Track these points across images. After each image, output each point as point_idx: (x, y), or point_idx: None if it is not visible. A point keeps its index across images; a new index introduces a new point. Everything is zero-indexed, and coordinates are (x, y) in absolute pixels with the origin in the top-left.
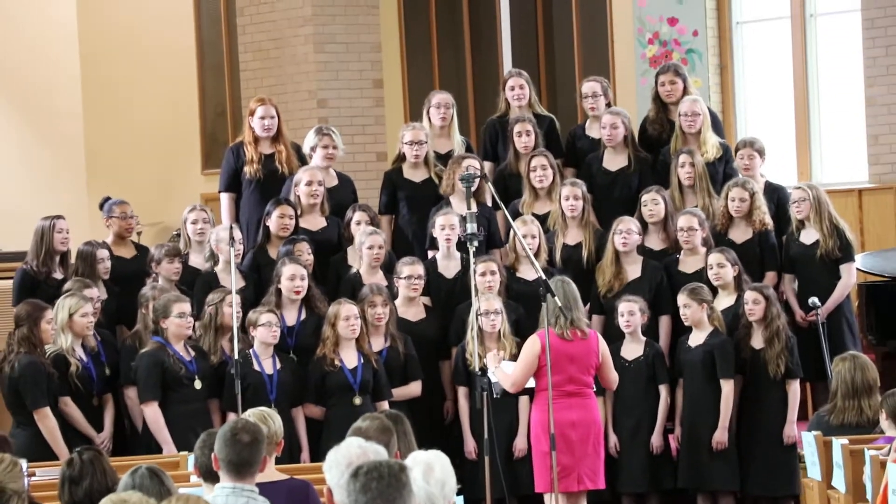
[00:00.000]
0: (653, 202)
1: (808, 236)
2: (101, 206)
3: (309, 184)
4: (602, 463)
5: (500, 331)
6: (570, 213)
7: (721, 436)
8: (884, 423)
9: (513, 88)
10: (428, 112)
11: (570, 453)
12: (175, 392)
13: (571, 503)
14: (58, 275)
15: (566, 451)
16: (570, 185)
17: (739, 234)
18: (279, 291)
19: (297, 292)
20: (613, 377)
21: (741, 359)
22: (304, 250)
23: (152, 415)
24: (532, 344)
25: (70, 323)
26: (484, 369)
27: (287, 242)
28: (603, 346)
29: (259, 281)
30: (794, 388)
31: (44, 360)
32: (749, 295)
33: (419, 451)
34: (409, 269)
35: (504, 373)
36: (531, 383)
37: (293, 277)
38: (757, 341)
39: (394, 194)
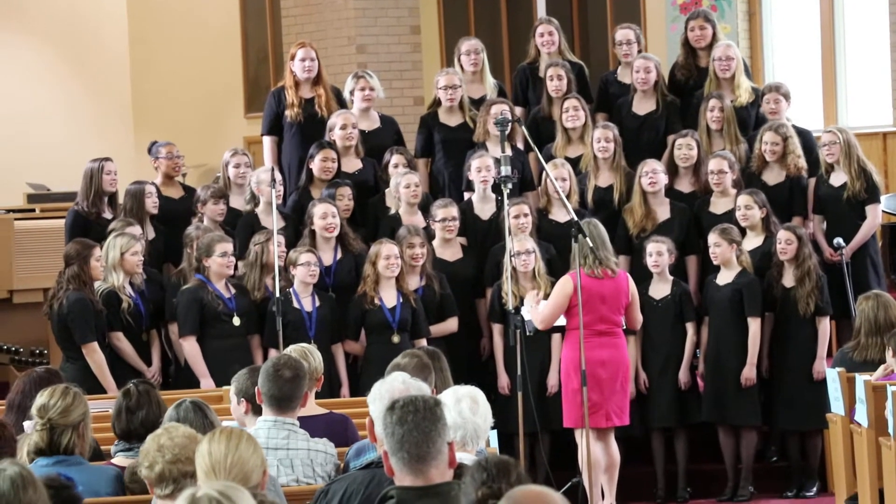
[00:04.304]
0: (687, 146)
1: (837, 178)
2: (150, 151)
3: (343, 127)
4: (628, 400)
5: (534, 269)
6: (601, 155)
7: (749, 372)
8: (890, 359)
9: (542, 35)
10: (459, 59)
11: (600, 391)
12: (213, 328)
13: (600, 439)
14: (107, 215)
15: (595, 389)
16: (602, 128)
17: (773, 176)
18: (313, 233)
19: (331, 230)
20: (639, 317)
21: (772, 297)
22: (346, 194)
23: (190, 348)
24: (564, 284)
25: (121, 261)
26: (518, 308)
27: (329, 186)
28: (632, 287)
29: (302, 222)
30: (824, 326)
31: (92, 296)
32: (782, 234)
33: (458, 385)
34: (444, 212)
35: (537, 311)
36: (562, 321)
37: (325, 216)
38: (788, 280)
39: (430, 138)
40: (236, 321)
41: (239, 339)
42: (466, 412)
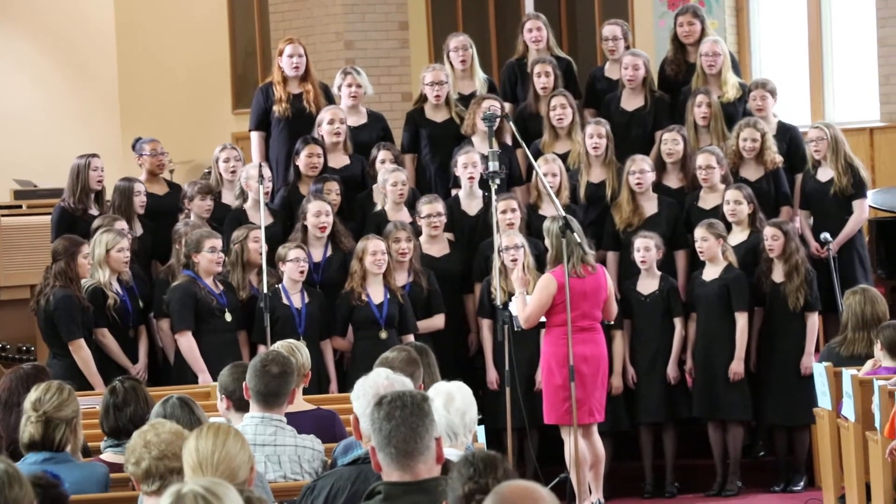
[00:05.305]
0: (673, 141)
1: (824, 174)
2: (134, 147)
3: (331, 122)
4: (605, 396)
5: (523, 264)
6: (593, 152)
7: (737, 366)
8: (878, 353)
9: (530, 31)
10: (448, 56)
11: (582, 387)
12: (206, 323)
13: (584, 435)
14: (93, 211)
15: (579, 385)
16: (593, 124)
17: (751, 172)
18: (305, 228)
19: (323, 228)
20: (614, 309)
21: (761, 292)
22: (333, 189)
23: (186, 344)
24: (547, 283)
25: (107, 258)
26: (507, 303)
27: (317, 181)
28: (609, 280)
29: (290, 218)
30: (813, 321)
31: (79, 293)
32: (768, 231)
33: (442, 381)
34: (429, 208)
35: (521, 307)
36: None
37: (318, 214)
38: (777, 275)
39: (416, 133)
40: (228, 317)
41: (231, 335)
42: (440, 409)
